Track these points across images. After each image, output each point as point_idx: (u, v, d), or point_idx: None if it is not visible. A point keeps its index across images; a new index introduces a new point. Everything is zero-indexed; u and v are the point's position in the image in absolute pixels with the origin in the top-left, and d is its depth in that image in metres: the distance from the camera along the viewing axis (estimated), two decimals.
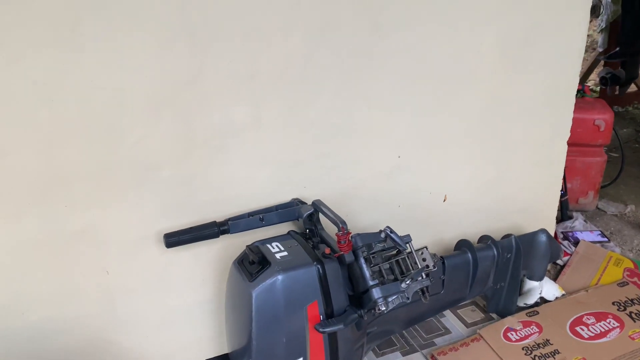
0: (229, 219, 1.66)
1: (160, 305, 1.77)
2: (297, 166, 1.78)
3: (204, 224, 1.63)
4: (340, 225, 1.54)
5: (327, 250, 1.57)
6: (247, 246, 1.55)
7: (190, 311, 1.82)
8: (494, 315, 2.18)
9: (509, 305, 2.13)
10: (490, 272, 2.02)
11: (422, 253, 1.81)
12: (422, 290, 1.75)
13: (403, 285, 1.58)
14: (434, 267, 1.80)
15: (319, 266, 1.52)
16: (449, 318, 2.18)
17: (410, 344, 2.02)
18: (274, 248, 1.59)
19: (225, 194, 1.71)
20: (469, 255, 1.96)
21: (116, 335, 1.75)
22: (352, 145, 1.84)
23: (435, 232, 2.16)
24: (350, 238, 1.56)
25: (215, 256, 1.77)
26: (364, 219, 1.98)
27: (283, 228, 1.78)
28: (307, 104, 1.71)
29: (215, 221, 1.64)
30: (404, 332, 2.07)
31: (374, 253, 1.66)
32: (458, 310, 2.22)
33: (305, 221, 1.71)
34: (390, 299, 1.58)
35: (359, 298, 1.60)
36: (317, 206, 1.68)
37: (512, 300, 2.12)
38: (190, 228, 1.61)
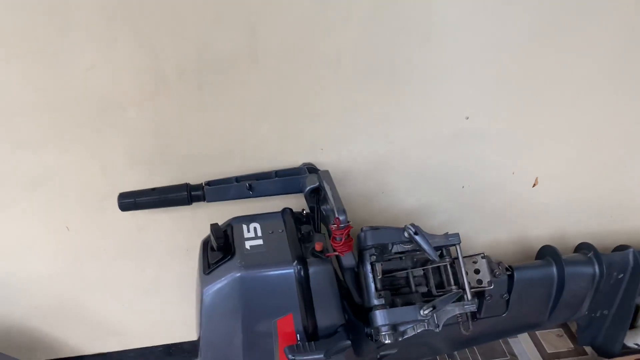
0: (208, 183, 1.25)
1: (136, 273, 1.47)
2: (314, 120, 1.29)
3: (171, 185, 1.25)
4: (335, 216, 1.05)
5: (319, 246, 1.10)
6: (212, 225, 1.14)
7: (173, 283, 1.50)
8: (588, 350, 1.57)
9: (612, 342, 1.50)
10: (586, 296, 1.39)
11: (475, 262, 1.27)
12: (466, 315, 1.22)
13: (422, 313, 1.07)
14: (490, 285, 1.25)
15: (299, 267, 1.07)
16: (521, 341, 1.61)
17: None
18: (249, 231, 1.16)
19: (212, 148, 1.29)
20: (554, 269, 1.36)
21: (87, 298, 1.49)
22: (394, 94, 1.29)
23: (513, 230, 1.56)
24: (351, 234, 1.07)
25: (203, 223, 1.39)
26: (407, 202, 1.45)
27: (290, 202, 1.33)
28: (330, 28, 1.18)
29: (187, 184, 1.25)
30: (454, 352, 1.56)
31: (391, 257, 1.16)
32: (538, 333, 1.63)
33: (308, 198, 1.24)
34: (402, 328, 1.09)
35: (367, 313, 1.13)
36: (320, 180, 1.20)
37: (618, 336, 1.49)
38: (153, 189, 1.24)
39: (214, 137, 1.28)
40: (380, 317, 1.07)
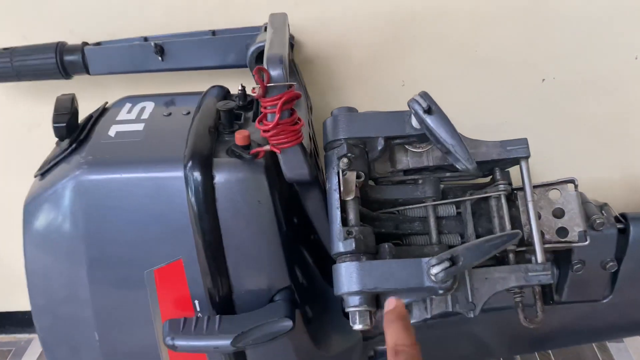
0: (96, 44, 0.75)
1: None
2: None
3: (35, 45, 0.76)
4: (265, 63, 0.51)
5: (242, 139, 0.57)
6: (57, 98, 0.63)
7: None
8: None
9: None
10: None
11: (557, 197, 0.69)
12: (533, 292, 0.66)
13: (432, 272, 0.51)
14: (583, 241, 0.66)
15: (196, 171, 0.55)
16: (629, 348, 1.00)
17: None
18: (128, 112, 0.64)
19: None
20: None
21: None
22: None
23: (627, 161, 0.94)
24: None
25: None
26: (447, 106, 0.88)
27: None
28: None
29: (59, 42, 0.75)
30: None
31: (394, 177, 0.61)
32: None
33: (252, 67, 0.71)
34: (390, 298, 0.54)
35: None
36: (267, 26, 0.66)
37: None
38: (6, 49, 0.76)
39: None
40: (344, 277, 0.53)
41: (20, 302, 1.19)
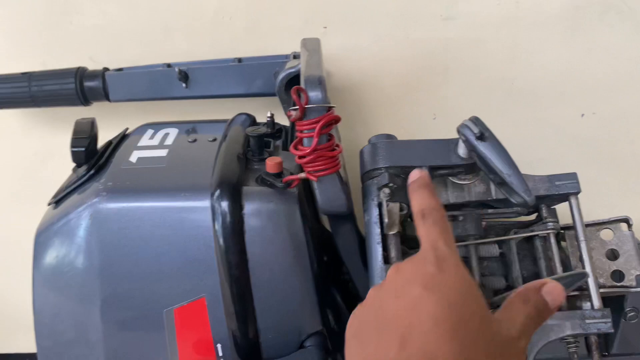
0: (117, 70, 0.72)
1: None
2: None
3: (53, 70, 0.73)
4: (302, 83, 0.47)
5: (273, 166, 0.52)
6: (76, 122, 0.59)
7: None
8: None
9: None
10: None
11: (609, 237, 0.64)
12: (587, 343, 0.60)
13: None
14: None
15: (223, 200, 0.50)
16: None
17: None
18: (151, 138, 0.60)
19: (136, 19, 0.77)
20: None
21: None
22: None
23: None
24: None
25: None
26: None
27: None
28: None
29: (80, 67, 0.72)
30: None
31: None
32: None
33: (282, 95, 0.67)
34: None
35: None
36: (302, 54, 0.63)
37: None
38: (24, 74, 0.72)
39: None
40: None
41: (20, 343, 1.12)
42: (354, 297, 0.64)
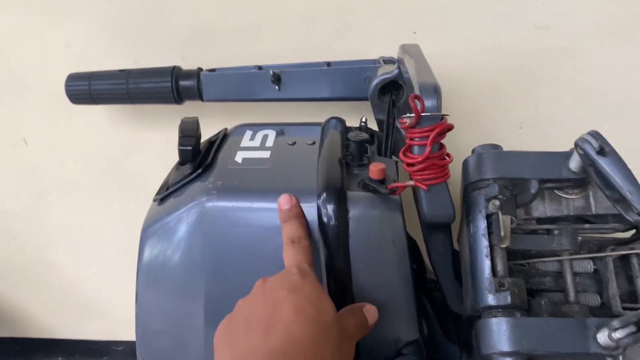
0: (210, 70, 0.74)
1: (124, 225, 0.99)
2: None
3: (149, 68, 0.75)
4: (416, 91, 0.47)
5: (377, 172, 0.52)
6: (182, 120, 0.60)
7: None
8: None
9: None
10: None
11: None
12: None
13: (601, 338, 0.44)
14: None
15: (329, 204, 0.50)
16: None
17: None
18: (251, 139, 0.61)
19: (228, 17, 0.78)
20: None
21: (59, 259, 1.05)
22: None
23: None
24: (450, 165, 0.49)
25: None
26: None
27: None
28: None
29: (175, 67, 0.74)
30: None
31: (529, 225, 0.55)
32: None
33: (375, 101, 0.67)
34: None
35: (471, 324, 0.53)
36: (400, 61, 0.63)
37: None
38: (121, 71, 0.75)
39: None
40: (495, 334, 0.46)
41: (90, 331, 1.16)
42: (439, 306, 0.63)
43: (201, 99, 0.74)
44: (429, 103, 0.48)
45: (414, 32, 0.76)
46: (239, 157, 0.57)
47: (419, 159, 0.48)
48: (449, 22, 0.75)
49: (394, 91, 0.66)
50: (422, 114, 0.47)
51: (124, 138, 0.89)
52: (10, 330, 1.18)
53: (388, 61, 0.74)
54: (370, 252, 0.51)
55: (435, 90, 0.48)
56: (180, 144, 0.57)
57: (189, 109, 0.77)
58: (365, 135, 0.57)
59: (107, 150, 0.90)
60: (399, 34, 0.76)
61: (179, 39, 0.80)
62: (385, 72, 0.66)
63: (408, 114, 0.48)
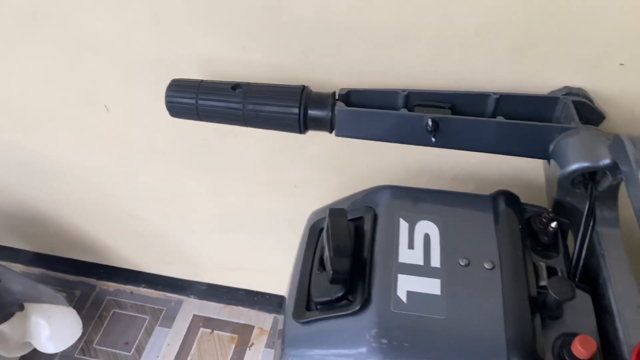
0: (347, 94, 0.59)
1: (215, 198, 0.93)
2: None
3: (270, 85, 0.60)
4: None
5: (584, 353, 0.42)
6: (331, 217, 0.48)
7: (265, 222, 0.94)
8: None
9: None
10: None
11: None
12: None
13: None
14: None
15: None
16: None
17: None
18: (410, 247, 0.50)
19: (371, 22, 0.59)
20: None
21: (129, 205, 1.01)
22: None
23: None
24: None
25: (329, 163, 0.78)
26: None
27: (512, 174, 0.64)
28: None
29: (304, 87, 0.59)
30: None
31: None
32: None
33: (563, 185, 0.52)
34: None
35: None
36: (620, 148, 0.47)
37: None
38: (235, 86, 0.59)
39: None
40: None
41: (176, 270, 1.17)
42: None
43: (331, 131, 0.60)
44: None
45: (621, 64, 0.56)
46: (402, 287, 0.46)
47: None
48: None
49: (597, 180, 0.51)
50: None
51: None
52: (98, 257, 1.20)
53: (578, 100, 0.57)
54: None
55: None
56: (332, 268, 0.46)
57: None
58: (566, 286, 0.45)
59: (201, 132, 0.78)
60: (600, 66, 0.57)
61: (297, 29, 0.62)
62: (591, 156, 0.50)
63: None
